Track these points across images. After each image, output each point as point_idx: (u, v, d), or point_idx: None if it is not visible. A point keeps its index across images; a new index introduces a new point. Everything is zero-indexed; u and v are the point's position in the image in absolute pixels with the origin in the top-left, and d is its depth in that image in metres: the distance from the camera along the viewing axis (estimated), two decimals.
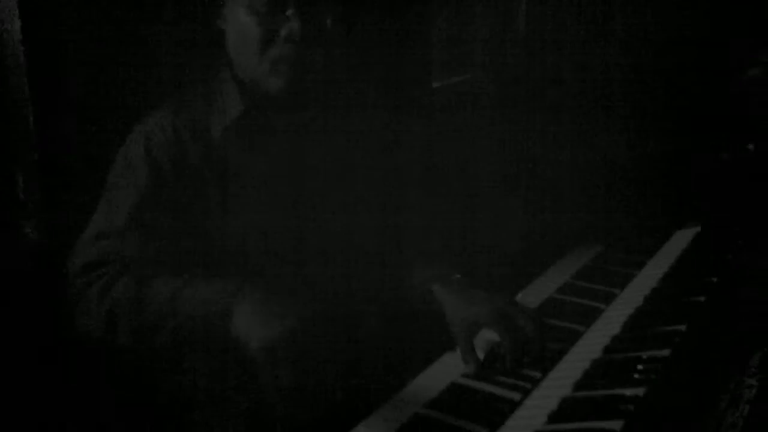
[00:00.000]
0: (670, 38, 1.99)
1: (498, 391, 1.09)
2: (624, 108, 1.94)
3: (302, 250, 1.23)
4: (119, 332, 1.09)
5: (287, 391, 1.02)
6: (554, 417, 0.99)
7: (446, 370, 1.15)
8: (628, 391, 0.99)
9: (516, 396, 1.07)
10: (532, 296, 1.44)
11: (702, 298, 1.28)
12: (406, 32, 1.77)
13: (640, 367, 1.06)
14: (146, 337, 1.09)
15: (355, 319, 1.26)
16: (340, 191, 1.27)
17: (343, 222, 1.27)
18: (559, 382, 1.08)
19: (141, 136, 1.19)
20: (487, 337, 1.19)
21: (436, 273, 1.26)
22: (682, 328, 1.16)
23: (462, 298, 1.21)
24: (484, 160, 1.93)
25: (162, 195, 1.16)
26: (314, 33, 1.16)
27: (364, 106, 1.36)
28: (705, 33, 2.00)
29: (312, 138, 1.26)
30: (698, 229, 1.70)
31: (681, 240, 1.66)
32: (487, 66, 2.11)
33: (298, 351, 1.00)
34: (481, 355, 1.16)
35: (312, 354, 1.01)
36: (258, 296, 1.05)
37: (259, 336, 1.00)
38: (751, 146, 1.94)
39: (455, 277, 1.25)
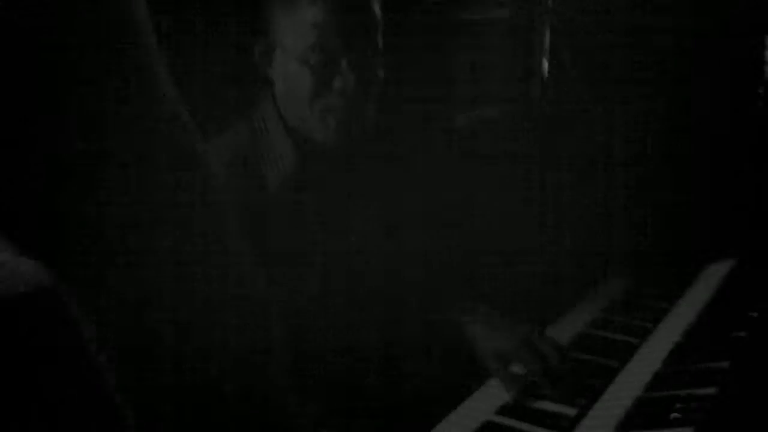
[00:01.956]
0: (694, 67, 1.97)
1: (534, 430, 1.04)
2: (649, 136, 1.92)
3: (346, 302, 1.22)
4: None
5: None
6: None
7: (479, 407, 1.11)
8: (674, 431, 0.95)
9: None
10: (562, 331, 1.40)
11: (743, 334, 1.23)
12: (429, 68, 1.78)
13: (684, 405, 1.01)
14: None
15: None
16: (386, 244, 1.27)
17: (390, 274, 1.27)
18: (601, 422, 1.03)
19: None
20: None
21: (463, 306, 1.26)
22: (725, 365, 1.11)
23: (489, 328, 1.22)
24: (509, 192, 1.90)
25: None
26: (366, 85, 1.15)
27: (410, 159, 1.36)
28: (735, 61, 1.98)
29: (363, 193, 1.25)
30: (731, 263, 1.66)
31: (714, 274, 1.61)
32: (511, 100, 2.10)
33: None
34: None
35: None
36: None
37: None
38: None
39: (482, 308, 1.26)
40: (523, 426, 1.05)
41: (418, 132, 1.68)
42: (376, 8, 1.17)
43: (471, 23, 2.08)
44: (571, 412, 1.07)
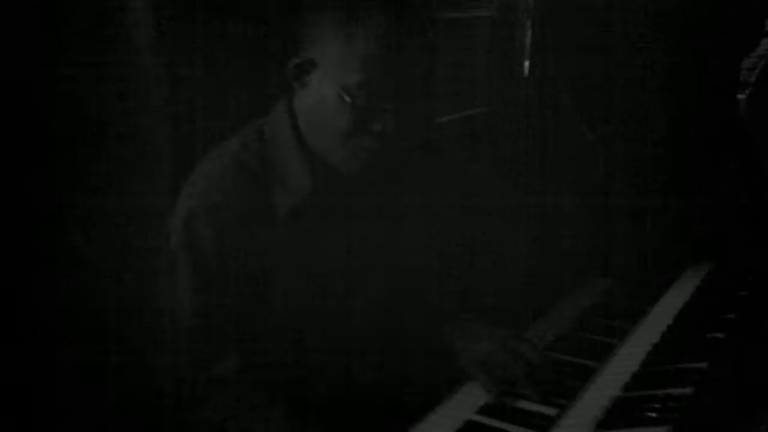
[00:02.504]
0: (675, 74, 1.99)
1: (514, 429, 1.05)
2: (631, 140, 1.93)
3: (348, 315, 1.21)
4: None
5: None
6: None
7: (460, 407, 1.11)
8: (652, 431, 0.96)
9: None
10: (543, 332, 1.40)
11: (720, 335, 1.25)
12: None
13: (662, 405, 1.03)
14: None
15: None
16: (391, 263, 1.25)
17: (392, 290, 1.26)
18: (579, 420, 1.04)
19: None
20: None
21: (445, 315, 1.26)
22: (703, 365, 1.13)
23: (470, 338, 1.20)
24: (489, 193, 1.91)
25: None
26: (404, 128, 1.09)
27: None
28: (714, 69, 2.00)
29: (373, 219, 1.21)
30: (709, 266, 1.68)
31: (692, 277, 1.63)
32: (492, 100, 2.11)
33: None
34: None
35: None
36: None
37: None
38: (756, 179, 1.93)
39: (463, 317, 1.25)
40: (504, 425, 1.06)
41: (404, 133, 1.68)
42: (427, 53, 1.11)
43: (454, 22, 2.09)
44: (550, 411, 1.08)
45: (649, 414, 1.01)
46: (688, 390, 1.06)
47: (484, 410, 1.10)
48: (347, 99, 1.05)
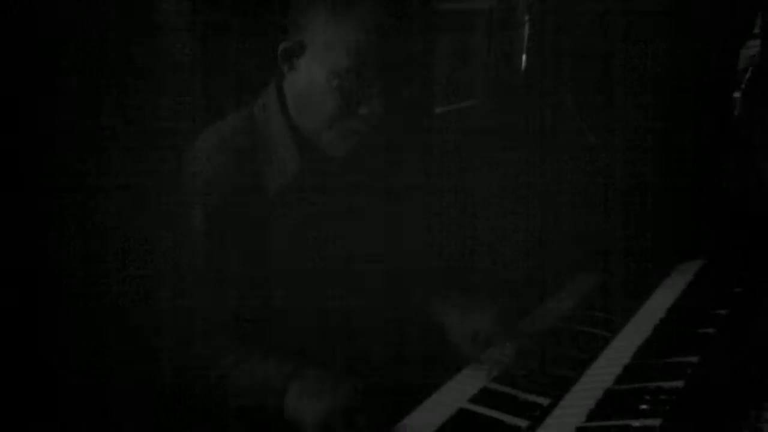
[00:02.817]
0: (668, 76, 2.00)
1: (507, 418, 1.05)
2: (625, 137, 1.94)
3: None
4: None
5: None
6: None
7: (453, 395, 1.12)
8: (643, 422, 0.97)
9: (524, 423, 1.04)
10: (535, 324, 1.41)
11: (711, 330, 1.26)
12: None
13: (653, 398, 1.04)
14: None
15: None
16: (383, 242, 1.25)
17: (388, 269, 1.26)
18: (572, 411, 1.05)
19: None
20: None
21: (439, 291, 1.27)
22: (694, 359, 1.14)
23: (462, 311, 1.22)
24: (483, 184, 1.92)
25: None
26: (390, 107, 1.10)
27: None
28: (704, 71, 2.01)
29: (363, 196, 1.22)
30: (700, 262, 1.69)
31: (685, 272, 1.65)
32: (488, 93, 2.11)
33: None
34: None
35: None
36: (312, 374, 1.04)
37: (312, 411, 0.99)
38: (751, 178, 1.94)
39: (453, 292, 1.26)
40: (497, 414, 1.06)
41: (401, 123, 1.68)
42: (417, 39, 1.13)
43: (452, 13, 2.08)
44: (543, 401, 1.09)
45: (641, 406, 1.02)
46: (679, 383, 1.07)
47: (476, 398, 1.11)
48: (335, 83, 1.07)
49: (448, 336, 1.22)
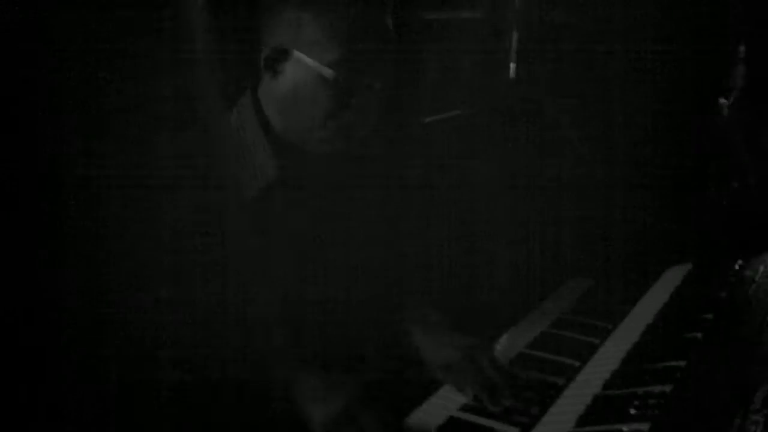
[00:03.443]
0: (657, 78, 2.02)
1: (497, 426, 1.06)
2: (611, 143, 1.96)
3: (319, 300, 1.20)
4: None
5: None
6: None
7: (443, 404, 1.13)
8: (632, 427, 0.98)
9: (514, 431, 1.04)
10: (524, 330, 1.42)
11: (698, 335, 1.27)
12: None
13: (642, 402, 1.05)
14: None
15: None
16: (367, 246, 1.24)
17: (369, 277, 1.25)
18: (561, 418, 1.06)
19: None
20: None
21: (416, 314, 1.26)
22: (682, 364, 1.15)
23: (435, 341, 1.21)
24: (471, 192, 1.92)
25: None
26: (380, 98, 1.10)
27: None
28: (688, 73, 2.03)
29: (345, 195, 1.22)
30: (689, 266, 1.71)
31: (673, 277, 1.66)
32: (477, 102, 2.12)
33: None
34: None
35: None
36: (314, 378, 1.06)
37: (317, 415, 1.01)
38: (734, 184, 1.96)
39: (434, 318, 1.25)
40: (487, 422, 1.07)
41: (389, 132, 1.68)
42: (389, 20, 1.11)
43: (440, 23, 2.10)
44: (535, 409, 1.09)
45: (630, 411, 1.03)
46: (667, 388, 1.07)
47: (467, 407, 1.11)
48: (328, 74, 1.06)
49: (426, 367, 1.21)
